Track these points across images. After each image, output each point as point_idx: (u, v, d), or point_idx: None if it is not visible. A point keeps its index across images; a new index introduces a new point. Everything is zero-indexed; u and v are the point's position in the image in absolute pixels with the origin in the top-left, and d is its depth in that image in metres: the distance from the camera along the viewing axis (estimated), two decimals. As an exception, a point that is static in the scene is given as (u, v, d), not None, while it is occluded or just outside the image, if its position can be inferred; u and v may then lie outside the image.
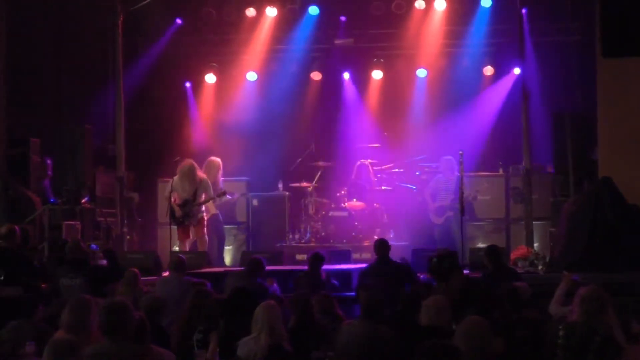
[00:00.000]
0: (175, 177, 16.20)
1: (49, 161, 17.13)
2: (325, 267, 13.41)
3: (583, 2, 16.96)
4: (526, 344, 8.42)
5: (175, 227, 16.31)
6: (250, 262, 12.60)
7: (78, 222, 16.60)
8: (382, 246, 13.13)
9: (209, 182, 16.32)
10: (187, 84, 19.86)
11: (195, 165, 16.28)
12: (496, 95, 19.18)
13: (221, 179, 17.18)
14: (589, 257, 13.88)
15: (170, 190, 16.09)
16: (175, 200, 16.09)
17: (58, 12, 18.05)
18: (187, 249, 16.08)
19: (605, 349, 7.14)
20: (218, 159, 17.21)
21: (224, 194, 16.68)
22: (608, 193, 14.25)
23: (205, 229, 16.32)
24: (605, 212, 14.11)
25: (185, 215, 16.06)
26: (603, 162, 15.65)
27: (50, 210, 16.29)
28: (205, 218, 16.42)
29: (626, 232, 14.04)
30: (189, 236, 16.26)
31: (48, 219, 16.09)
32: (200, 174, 16.32)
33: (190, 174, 16.10)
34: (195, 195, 16.06)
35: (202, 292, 9.59)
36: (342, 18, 19.28)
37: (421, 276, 12.89)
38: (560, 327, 7.64)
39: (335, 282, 13.31)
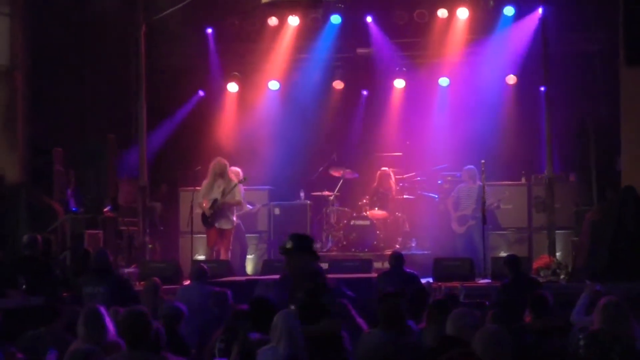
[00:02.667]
0: (205, 182, 16.20)
1: (72, 171, 17.18)
2: (347, 275, 13.39)
3: (606, 11, 16.88)
4: (552, 352, 8.39)
5: (199, 236, 16.32)
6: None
7: (100, 231, 16.63)
8: (395, 259, 13.28)
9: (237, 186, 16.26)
10: (201, 92, 19.86)
11: (225, 162, 16.28)
12: (519, 104, 19.13)
13: (242, 188, 17.18)
14: (612, 267, 13.82)
15: (201, 195, 16.09)
16: (205, 205, 16.05)
17: (81, 22, 18.10)
18: (214, 256, 16.07)
19: (627, 358, 7.10)
20: (238, 169, 17.18)
21: (245, 179, 16.54)
22: (631, 203, 14.18)
23: (230, 242, 16.29)
24: (628, 222, 14.05)
25: (214, 215, 15.99)
26: (626, 172, 15.59)
27: (73, 219, 16.32)
28: (233, 227, 16.39)
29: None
30: (217, 243, 16.20)
31: (70, 228, 16.12)
32: (231, 175, 16.28)
33: (221, 169, 16.10)
34: (223, 194, 15.99)
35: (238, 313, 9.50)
36: (370, 17, 19.18)
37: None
38: (581, 337, 7.60)
39: (348, 291, 13.25)
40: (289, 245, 9.25)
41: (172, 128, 19.39)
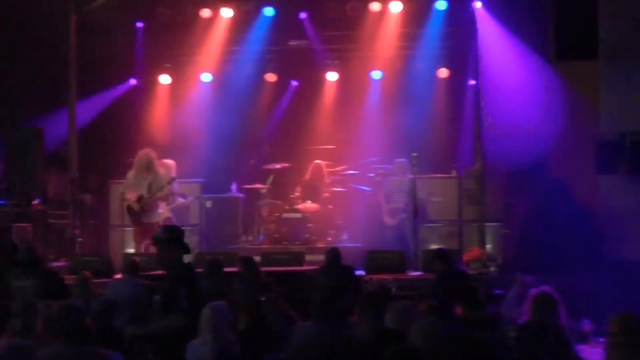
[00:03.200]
0: (130, 173, 16.03)
1: (1, 163, 16.94)
2: (279, 268, 13.40)
3: (537, 7, 17.05)
4: (483, 343, 8.46)
5: (130, 229, 16.20)
6: (211, 264, 12.59)
7: (29, 225, 16.42)
8: (332, 254, 13.31)
9: (163, 177, 16.13)
10: (141, 85, 19.76)
11: (152, 153, 16.09)
12: (450, 97, 19.29)
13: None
14: (541, 258, 13.97)
15: (126, 186, 15.94)
16: (130, 197, 15.91)
17: (9, 12, 17.84)
18: (143, 250, 15.97)
19: (557, 348, 7.19)
20: (171, 161, 17.10)
21: (174, 179, 16.45)
22: (560, 195, 14.37)
23: (160, 231, 16.18)
24: (557, 213, 14.23)
25: (142, 209, 15.86)
26: (555, 164, 15.77)
27: (0, 212, 16.10)
28: (160, 223, 16.31)
29: (578, 233, 14.16)
30: (147, 236, 16.09)
31: (-2, 221, 15.91)
32: (158, 165, 16.13)
33: (147, 160, 15.88)
34: (150, 187, 15.86)
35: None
36: (303, 15, 19.20)
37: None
38: (512, 328, 7.69)
39: None
40: (160, 236, 9.29)
41: (104, 119, 19.21)
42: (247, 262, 12.60)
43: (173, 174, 16.84)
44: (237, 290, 11.57)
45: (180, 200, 17.26)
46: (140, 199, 15.77)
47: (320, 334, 8.11)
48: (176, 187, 17.00)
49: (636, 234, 14.58)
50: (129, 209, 15.88)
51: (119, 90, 19.58)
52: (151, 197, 15.78)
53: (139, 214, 15.83)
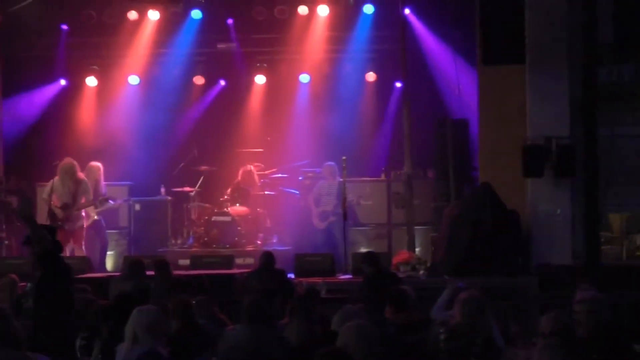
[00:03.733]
0: (56, 178, 15.91)
1: None
2: (208, 271, 13.38)
3: (464, 10, 17.20)
4: (413, 346, 8.52)
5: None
6: (132, 265, 12.55)
7: (-46, 226, 16.23)
8: (266, 257, 13.31)
9: (89, 185, 16.12)
10: (62, 80, 19.57)
11: (76, 164, 16.03)
12: (379, 101, 19.41)
13: (103, 183, 16.97)
14: (469, 261, 14.08)
15: (50, 191, 15.80)
16: (54, 203, 15.81)
17: None
18: (68, 254, 15.82)
19: (486, 350, 7.27)
20: (99, 164, 16.97)
21: (107, 200, 16.50)
22: (488, 198, 14.49)
23: (83, 239, 16.11)
24: (485, 217, 14.34)
25: (65, 218, 15.79)
26: (483, 168, 15.92)
27: None
28: (85, 226, 16.22)
29: (505, 237, 14.29)
30: (69, 241, 15.98)
31: None
32: (81, 175, 16.10)
33: (71, 172, 15.86)
34: (75, 197, 15.79)
35: (83, 300, 9.46)
36: (229, 21, 19.20)
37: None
38: (441, 331, 7.76)
39: None
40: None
41: (29, 121, 19.01)
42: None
43: (100, 176, 16.79)
44: (151, 291, 11.58)
45: (110, 203, 17.15)
46: (65, 206, 15.71)
47: (251, 337, 8.10)
48: (104, 188, 16.91)
49: (562, 237, 14.77)
50: (52, 214, 15.74)
51: (46, 91, 19.37)
52: (76, 207, 15.75)
53: (62, 220, 15.74)
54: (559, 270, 13.76)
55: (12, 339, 6.58)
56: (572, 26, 14.79)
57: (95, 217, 16.68)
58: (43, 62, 18.94)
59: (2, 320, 6.58)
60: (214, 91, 20.10)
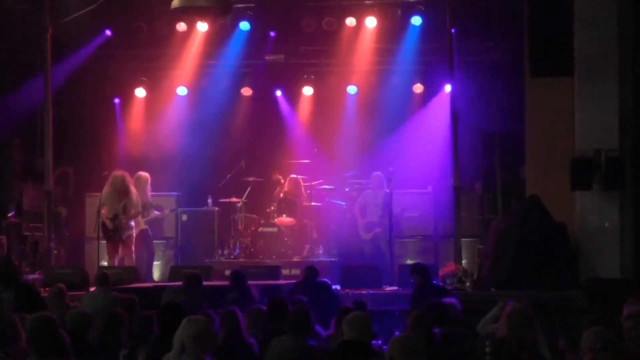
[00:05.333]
0: (105, 190, 16.08)
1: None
2: (255, 282, 13.40)
3: (512, 22, 17.12)
4: (459, 358, 8.48)
5: (103, 241, 16.19)
6: (189, 278, 12.59)
7: (4, 237, 16.36)
8: (309, 271, 13.38)
9: (139, 197, 16.29)
10: (116, 99, 19.78)
11: (127, 175, 16.20)
12: (426, 113, 19.34)
13: (150, 193, 17.10)
14: (517, 274, 14.00)
15: (101, 202, 15.97)
16: (104, 213, 15.98)
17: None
18: (116, 264, 15.97)
19: (532, 364, 7.21)
20: (146, 174, 17.11)
21: (151, 206, 16.64)
22: (536, 211, 14.39)
23: (133, 246, 16.26)
24: (532, 230, 14.24)
25: (115, 229, 15.97)
26: (531, 181, 15.83)
27: (-25, 225, 16.05)
28: (134, 235, 16.35)
29: (553, 250, 14.19)
30: (118, 252, 16.15)
31: (-27, 235, 15.84)
32: (132, 186, 16.25)
33: (121, 183, 16.05)
34: (125, 209, 15.98)
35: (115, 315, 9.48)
36: (272, 34, 19.29)
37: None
38: (487, 343, 7.71)
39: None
40: None
41: (79, 132, 19.14)
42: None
43: (147, 186, 16.93)
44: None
45: (156, 213, 17.25)
46: (115, 217, 15.87)
47: (295, 348, 8.12)
48: (151, 198, 17.05)
49: (610, 250, 14.62)
50: (103, 225, 15.94)
51: (100, 107, 19.49)
52: (126, 218, 15.89)
53: (112, 230, 15.92)
54: (607, 284, 13.61)
55: (58, 347, 6.63)
56: (622, 37, 14.67)
57: (143, 226, 16.80)
58: (93, 74, 19.06)
59: (48, 329, 6.64)
60: (262, 103, 20.13)
